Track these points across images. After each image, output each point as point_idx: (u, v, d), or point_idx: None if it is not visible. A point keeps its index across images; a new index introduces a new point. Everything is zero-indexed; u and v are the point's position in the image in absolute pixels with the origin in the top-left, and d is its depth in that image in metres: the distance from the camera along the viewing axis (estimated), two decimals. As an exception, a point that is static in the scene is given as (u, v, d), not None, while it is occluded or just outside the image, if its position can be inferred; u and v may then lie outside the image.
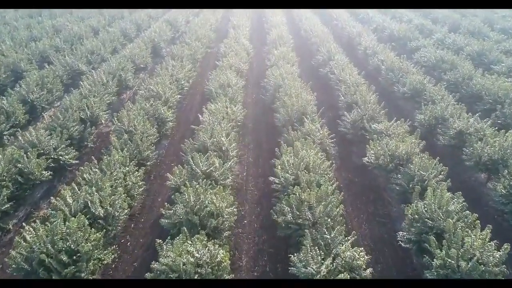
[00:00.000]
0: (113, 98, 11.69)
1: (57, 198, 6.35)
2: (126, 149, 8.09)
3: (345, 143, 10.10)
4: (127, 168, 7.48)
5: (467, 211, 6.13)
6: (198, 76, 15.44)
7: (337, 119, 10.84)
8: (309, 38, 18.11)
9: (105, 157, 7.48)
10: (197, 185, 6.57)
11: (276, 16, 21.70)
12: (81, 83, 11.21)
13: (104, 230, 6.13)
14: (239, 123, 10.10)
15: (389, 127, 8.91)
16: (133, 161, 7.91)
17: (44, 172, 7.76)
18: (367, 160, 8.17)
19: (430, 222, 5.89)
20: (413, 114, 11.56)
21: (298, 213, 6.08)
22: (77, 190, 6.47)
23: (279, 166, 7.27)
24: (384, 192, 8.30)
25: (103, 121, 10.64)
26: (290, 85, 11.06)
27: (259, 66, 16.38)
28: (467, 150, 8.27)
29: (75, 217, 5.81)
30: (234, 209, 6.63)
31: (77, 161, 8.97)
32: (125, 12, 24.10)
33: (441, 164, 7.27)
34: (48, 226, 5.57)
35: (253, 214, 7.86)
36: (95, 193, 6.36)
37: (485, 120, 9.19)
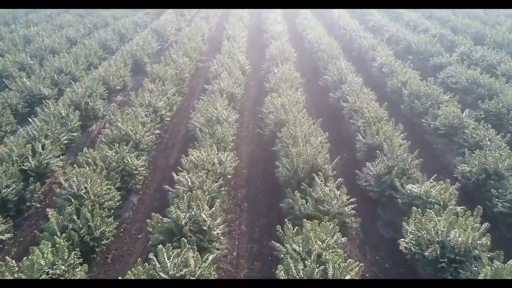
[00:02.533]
0: (74, 135, 9.39)
1: None
2: (69, 229, 5.80)
3: (367, 202, 7.79)
4: (62, 268, 5.18)
5: None
6: (185, 99, 13.15)
7: (354, 167, 8.56)
8: (314, 52, 15.79)
9: (29, 255, 5.16)
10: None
11: (277, 24, 19.39)
12: (30, 119, 8.88)
13: None
14: (229, 176, 7.81)
15: (429, 189, 6.60)
16: (77, 249, 5.63)
17: None
18: (405, 246, 5.86)
19: None
20: (448, 156, 9.29)
21: None
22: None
23: (282, 272, 4.96)
24: (428, 290, 5.99)
25: (57, 168, 8.33)
26: (294, 121, 8.76)
27: (257, 87, 14.07)
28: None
29: None
30: None
31: (10, 235, 6.68)
32: (110, 19, 21.79)
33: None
34: None
35: (245, 329, 5.57)
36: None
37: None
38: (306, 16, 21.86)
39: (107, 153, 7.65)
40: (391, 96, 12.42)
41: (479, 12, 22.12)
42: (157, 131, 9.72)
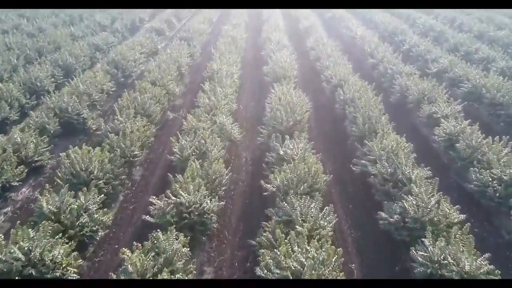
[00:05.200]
0: None
1: None
2: None
3: None
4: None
5: None
6: (134, 194, 8.06)
7: None
8: (339, 102, 10.64)
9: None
10: None
11: (282, 50, 14.24)
12: None
13: None
14: None
15: None
16: None
17: None
18: None
19: None
20: None
21: None
22: None
23: None
24: None
25: None
26: None
27: (250, 174, 8.84)
28: None
29: None
30: None
31: None
32: (67, 40, 16.67)
33: None
34: None
35: None
36: None
37: None
38: (319, 36, 16.70)
39: None
40: (474, 194, 7.32)
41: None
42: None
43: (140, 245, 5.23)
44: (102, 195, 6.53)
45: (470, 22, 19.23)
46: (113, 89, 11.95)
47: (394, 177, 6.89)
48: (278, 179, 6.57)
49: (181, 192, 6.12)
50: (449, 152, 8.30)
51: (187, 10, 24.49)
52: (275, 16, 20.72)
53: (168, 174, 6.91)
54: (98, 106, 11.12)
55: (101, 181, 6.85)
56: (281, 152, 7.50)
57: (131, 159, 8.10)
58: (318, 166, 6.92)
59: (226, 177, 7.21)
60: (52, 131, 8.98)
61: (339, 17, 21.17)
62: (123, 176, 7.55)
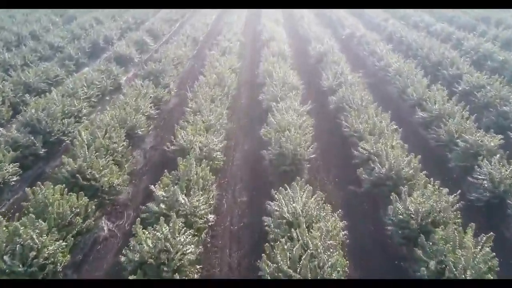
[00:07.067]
0: None
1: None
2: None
3: None
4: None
5: None
6: None
7: None
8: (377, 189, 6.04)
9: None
10: None
11: (289, 98, 9.67)
12: None
13: None
14: None
15: None
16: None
17: None
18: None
19: None
20: None
21: None
22: None
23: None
24: None
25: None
26: None
27: None
28: None
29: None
30: None
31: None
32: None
33: None
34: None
35: None
36: None
37: None
38: (340, 69, 11.99)
39: None
40: None
41: None
42: None
43: None
44: None
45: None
46: (14, 179, 7.27)
47: None
48: None
49: None
50: None
51: (168, 25, 19.91)
52: (278, 36, 16.06)
53: None
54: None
55: None
56: None
57: None
58: None
59: None
60: None
61: (360, 37, 16.52)
62: None
